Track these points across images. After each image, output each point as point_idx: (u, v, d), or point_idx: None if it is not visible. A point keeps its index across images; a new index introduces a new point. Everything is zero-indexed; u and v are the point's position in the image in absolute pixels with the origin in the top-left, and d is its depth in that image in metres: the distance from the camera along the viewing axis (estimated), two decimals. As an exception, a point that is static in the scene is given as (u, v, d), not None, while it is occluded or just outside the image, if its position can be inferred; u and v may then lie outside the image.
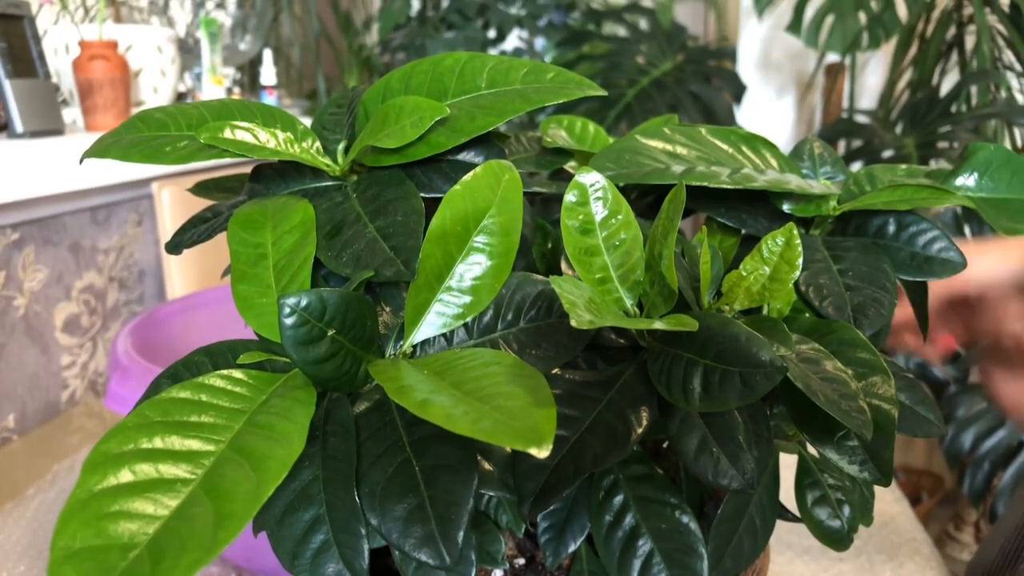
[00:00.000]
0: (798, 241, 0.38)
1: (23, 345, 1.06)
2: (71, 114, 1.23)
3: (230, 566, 0.67)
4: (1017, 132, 1.55)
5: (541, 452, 0.24)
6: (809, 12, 1.71)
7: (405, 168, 0.39)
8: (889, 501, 0.82)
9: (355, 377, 0.34)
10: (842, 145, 1.79)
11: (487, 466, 0.36)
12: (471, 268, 0.36)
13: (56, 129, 1.04)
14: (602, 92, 0.38)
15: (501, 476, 0.35)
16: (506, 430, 0.25)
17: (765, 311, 0.40)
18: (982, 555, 0.74)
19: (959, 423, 1.49)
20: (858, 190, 0.46)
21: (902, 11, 1.70)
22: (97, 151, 0.40)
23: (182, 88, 1.53)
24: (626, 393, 0.35)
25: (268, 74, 1.61)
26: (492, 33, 1.95)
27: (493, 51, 1.94)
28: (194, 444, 0.28)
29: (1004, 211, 0.45)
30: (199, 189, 0.48)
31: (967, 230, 1.45)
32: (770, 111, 2.03)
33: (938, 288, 0.53)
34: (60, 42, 1.18)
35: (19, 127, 0.99)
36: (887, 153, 1.63)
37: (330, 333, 0.31)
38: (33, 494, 0.81)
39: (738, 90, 1.80)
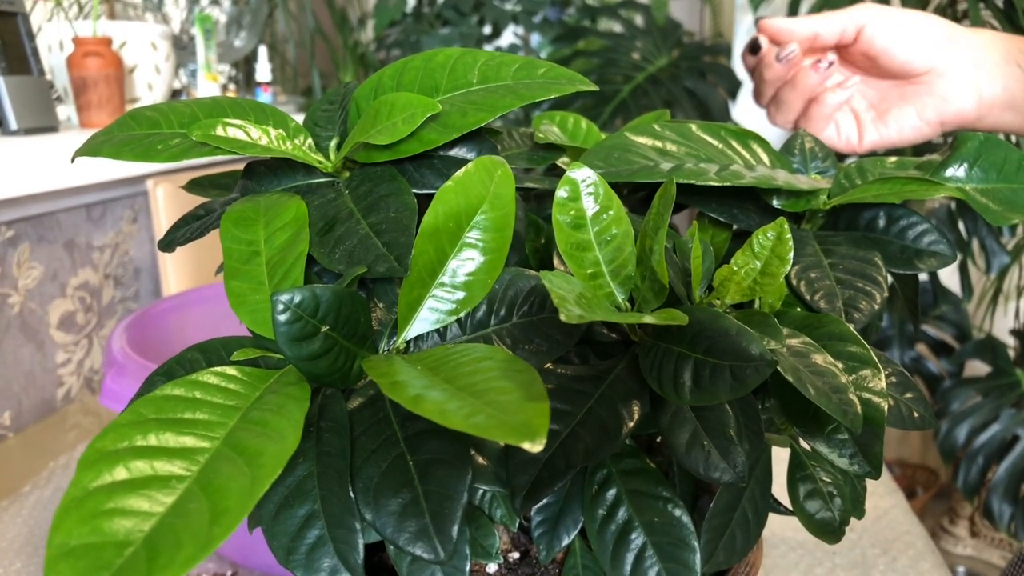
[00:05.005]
0: (788, 236, 0.38)
1: (18, 342, 1.05)
2: (65, 111, 1.23)
3: (227, 563, 0.67)
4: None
5: (534, 446, 0.24)
6: (804, 8, 1.71)
7: (397, 164, 0.39)
8: (883, 495, 0.82)
9: (349, 373, 0.34)
10: (837, 140, 1.78)
11: (481, 461, 0.36)
12: (464, 264, 0.36)
13: (50, 126, 1.04)
14: (593, 87, 0.39)
15: (494, 470, 0.36)
16: (499, 425, 0.25)
17: (757, 305, 0.41)
18: None
19: (953, 417, 1.50)
20: (848, 184, 0.46)
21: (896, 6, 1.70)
22: (89, 150, 0.40)
23: (177, 85, 1.52)
24: (617, 387, 0.36)
25: (263, 71, 1.60)
26: (487, 29, 1.95)
27: (489, 47, 1.94)
28: (189, 441, 0.28)
29: (994, 200, 0.45)
30: (192, 186, 0.48)
31: (961, 225, 1.46)
32: (765, 106, 2.03)
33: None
34: (54, 39, 1.18)
35: (13, 124, 0.98)
36: (882, 148, 1.62)
37: (323, 329, 0.32)
38: (29, 491, 0.81)
39: (733, 86, 1.80)
